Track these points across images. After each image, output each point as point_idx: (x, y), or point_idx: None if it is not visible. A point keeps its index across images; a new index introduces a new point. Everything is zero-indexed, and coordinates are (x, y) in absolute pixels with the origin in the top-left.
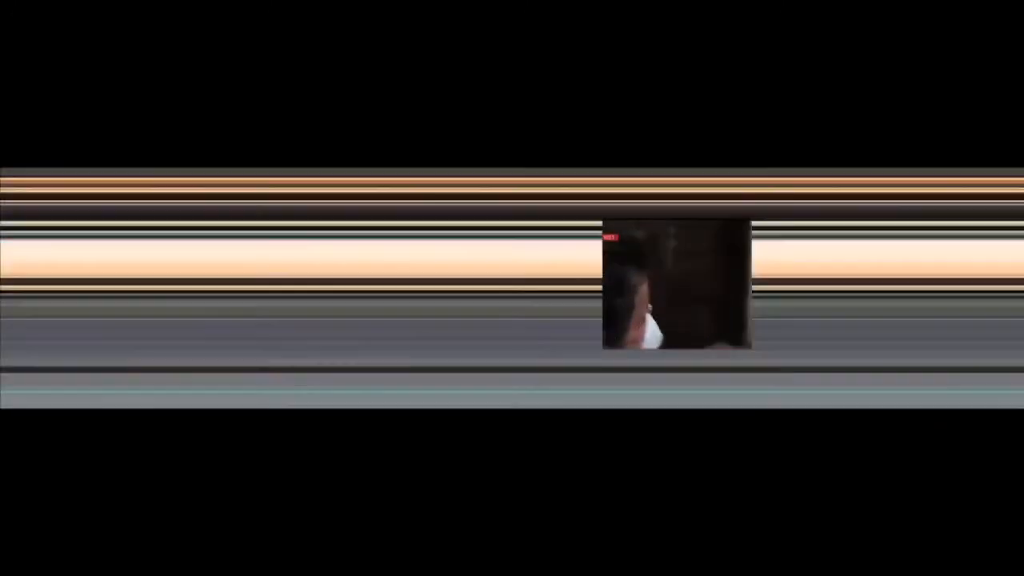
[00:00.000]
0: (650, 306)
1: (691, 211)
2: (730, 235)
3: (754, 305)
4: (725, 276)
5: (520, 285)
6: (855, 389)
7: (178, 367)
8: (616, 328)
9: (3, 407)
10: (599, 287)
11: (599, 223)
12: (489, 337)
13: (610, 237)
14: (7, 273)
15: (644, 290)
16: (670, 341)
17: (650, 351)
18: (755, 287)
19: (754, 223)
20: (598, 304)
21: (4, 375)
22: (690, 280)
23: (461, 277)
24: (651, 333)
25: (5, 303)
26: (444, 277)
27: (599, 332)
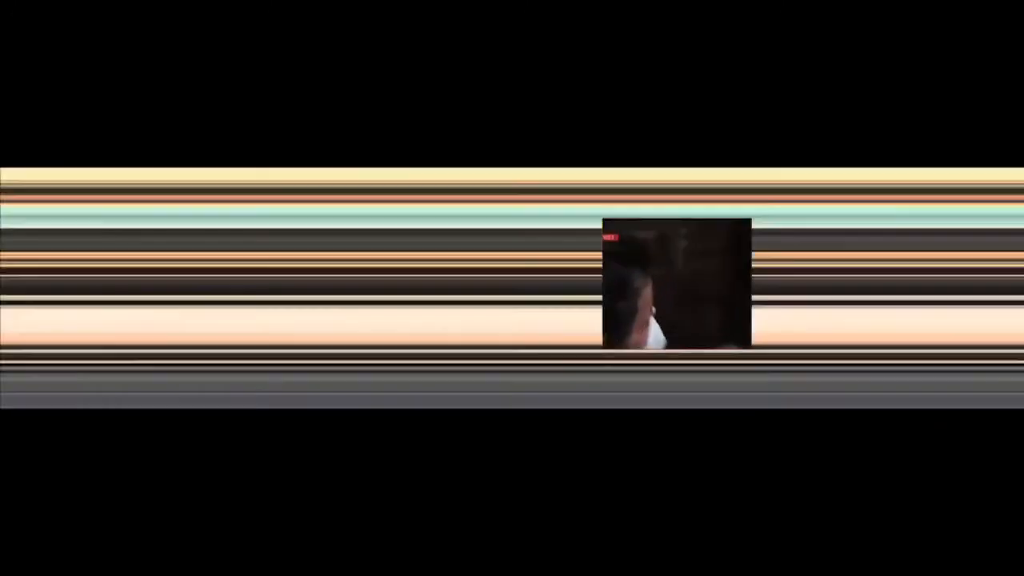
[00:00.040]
0: (654, 309)
1: (692, 211)
2: (731, 235)
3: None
4: (727, 276)
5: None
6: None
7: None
8: (618, 331)
9: (3, 407)
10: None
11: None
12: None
13: (610, 237)
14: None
15: (647, 293)
16: (676, 343)
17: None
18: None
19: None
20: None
21: (4, 375)
22: (693, 280)
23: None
24: (654, 337)
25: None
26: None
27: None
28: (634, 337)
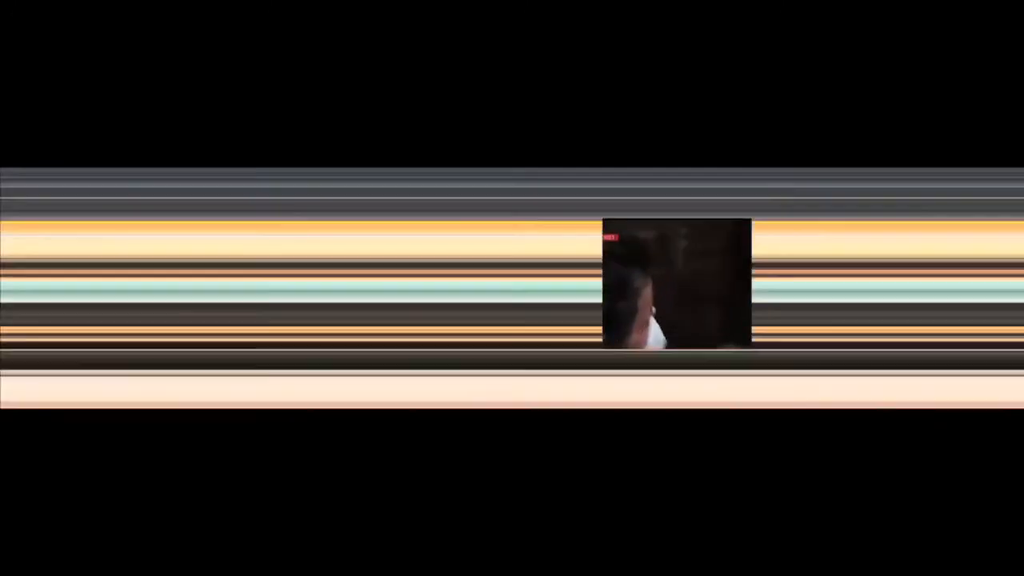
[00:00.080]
0: (654, 309)
1: (692, 210)
2: (732, 234)
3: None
4: (728, 276)
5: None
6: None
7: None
8: (618, 331)
9: (3, 407)
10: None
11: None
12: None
13: (610, 237)
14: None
15: (648, 293)
16: (676, 343)
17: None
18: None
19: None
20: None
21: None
22: (694, 280)
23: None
24: (654, 337)
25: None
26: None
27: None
28: (634, 337)
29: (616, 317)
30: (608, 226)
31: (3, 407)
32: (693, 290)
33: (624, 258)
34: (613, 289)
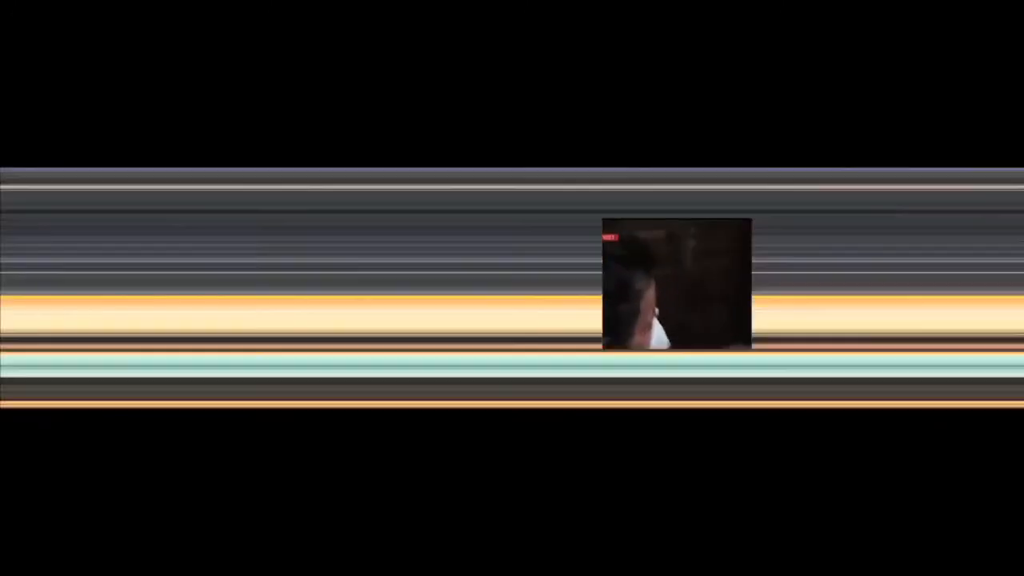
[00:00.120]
0: (657, 310)
1: (692, 210)
2: (732, 234)
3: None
4: (730, 276)
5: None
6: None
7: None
8: (620, 333)
9: (3, 407)
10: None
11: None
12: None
13: (610, 237)
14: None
15: (650, 294)
16: (679, 344)
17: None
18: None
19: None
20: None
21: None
22: (696, 281)
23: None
24: (657, 338)
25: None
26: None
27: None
28: (637, 339)
29: (618, 319)
30: (608, 226)
31: (3, 407)
32: (700, 290)
33: (625, 259)
34: (614, 291)
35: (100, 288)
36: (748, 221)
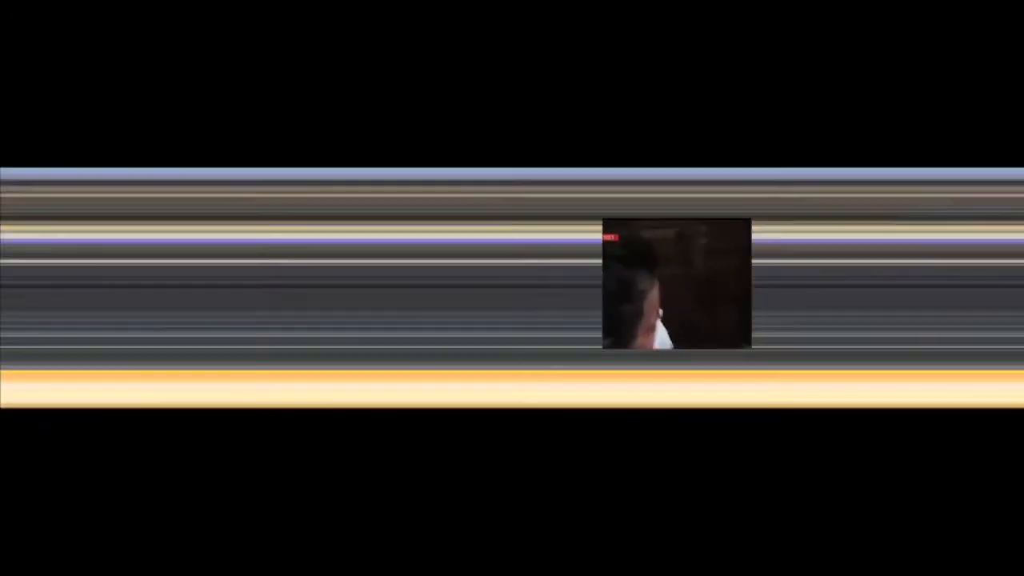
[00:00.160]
0: (661, 311)
1: (692, 210)
2: (732, 234)
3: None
4: (731, 276)
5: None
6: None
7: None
8: (623, 336)
9: (3, 406)
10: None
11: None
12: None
13: (610, 237)
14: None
15: (653, 295)
16: (681, 345)
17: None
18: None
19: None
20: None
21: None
22: (692, 280)
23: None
24: (660, 341)
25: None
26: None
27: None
28: (639, 341)
29: (620, 320)
30: (609, 226)
31: (3, 407)
32: (705, 291)
33: (627, 260)
34: (616, 291)
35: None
36: (748, 221)
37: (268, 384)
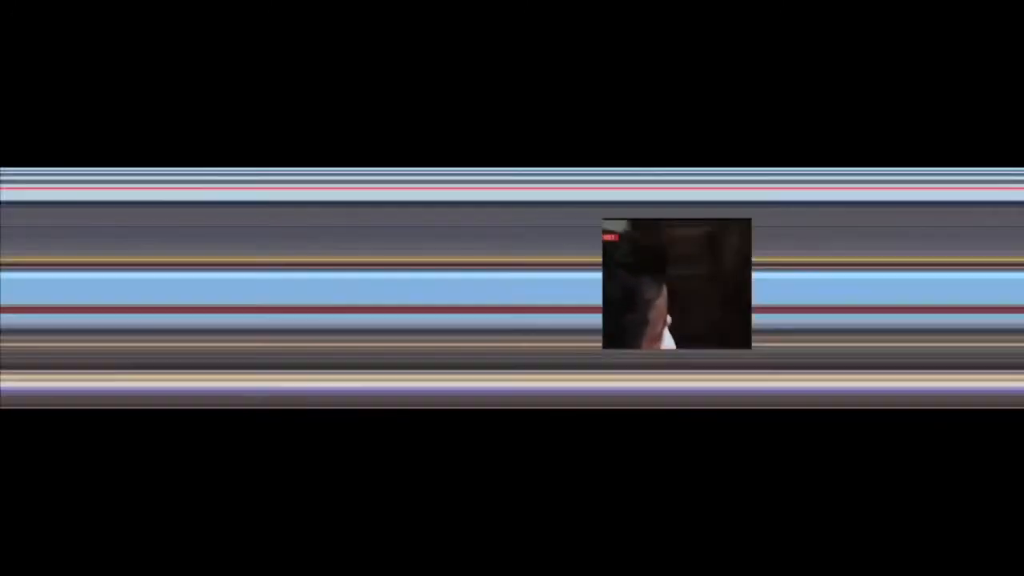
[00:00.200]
0: (669, 318)
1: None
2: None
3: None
4: (727, 276)
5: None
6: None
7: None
8: (628, 345)
9: (3, 407)
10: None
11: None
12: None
13: (610, 238)
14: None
15: (661, 303)
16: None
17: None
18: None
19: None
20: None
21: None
22: (693, 281)
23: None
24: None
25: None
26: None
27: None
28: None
29: (624, 330)
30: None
31: (3, 407)
32: (700, 290)
33: (632, 265)
34: (619, 299)
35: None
36: (748, 221)
37: (268, 385)
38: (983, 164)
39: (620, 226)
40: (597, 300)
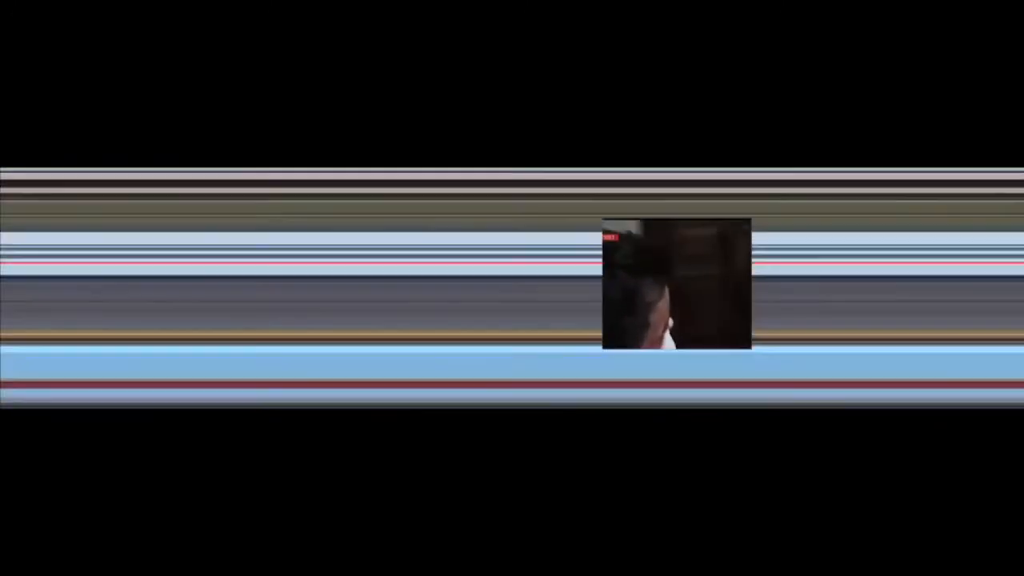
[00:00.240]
0: (671, 321)
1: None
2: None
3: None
4: (727, 276)
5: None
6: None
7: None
8: (628, 347)
9: (3, 407)
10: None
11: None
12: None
13: (610, 238)
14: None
15: (662, 306)
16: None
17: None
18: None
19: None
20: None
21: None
22: (693, 281)
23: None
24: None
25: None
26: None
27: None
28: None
29: (624, 333)
30: (610, 227)
31: (3, 407)
32: (700, 290)
33: (633, 267)
34: (619, 302)
35: None
36: (748, 221)
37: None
38: (982, 164)
39: (621, 227)
40: (597, 301)
